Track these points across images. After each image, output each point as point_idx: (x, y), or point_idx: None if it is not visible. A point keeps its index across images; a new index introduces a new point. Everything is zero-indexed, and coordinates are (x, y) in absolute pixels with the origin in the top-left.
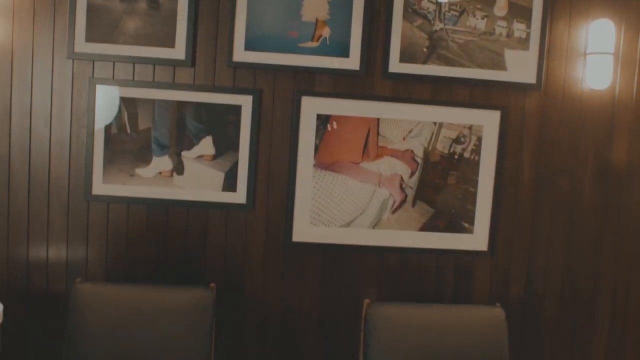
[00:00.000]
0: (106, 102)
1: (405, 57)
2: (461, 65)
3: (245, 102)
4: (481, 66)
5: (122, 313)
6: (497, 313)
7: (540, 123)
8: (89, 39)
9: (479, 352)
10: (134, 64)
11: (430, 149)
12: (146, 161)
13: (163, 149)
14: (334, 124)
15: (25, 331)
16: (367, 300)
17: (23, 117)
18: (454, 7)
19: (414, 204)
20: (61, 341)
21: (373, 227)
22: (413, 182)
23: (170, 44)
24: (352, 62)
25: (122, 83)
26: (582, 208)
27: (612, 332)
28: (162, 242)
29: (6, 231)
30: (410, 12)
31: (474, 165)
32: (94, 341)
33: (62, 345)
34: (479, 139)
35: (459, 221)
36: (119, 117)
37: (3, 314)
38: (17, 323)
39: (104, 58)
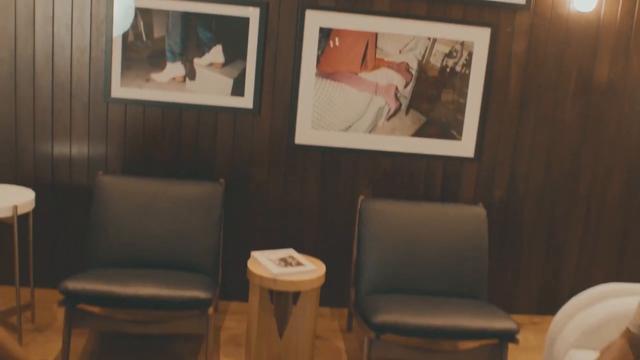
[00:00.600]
0: (123, 11)
1: None
2: None
3: (253, 15)
4: None
5: (140, 203)
6: (479, 211)
7: (527, 41)
8: None
9: (461, 244)
10: None
11: (424, 62)
12: (161, 67)
13: (176, 56)
14: (336, 37)
15: (53, 218)
16: (361, 197)
17: (46, 23)
18: None
19: (407, 112)
20: (86, 227)
21: (369, 132)
22: (407, 92)
23: None
24: None
25: None
26: (563, 121)
27: (585, 236)
28: (175, 141)
29: (32, 129)
30: None
31: (465, 78)
32: (116, 227)
33: (87, 230)
34: (470, 54)
35: (449, 129)
36: (135, 25)
37: (33, 201)
38: (46, 210)
39: None
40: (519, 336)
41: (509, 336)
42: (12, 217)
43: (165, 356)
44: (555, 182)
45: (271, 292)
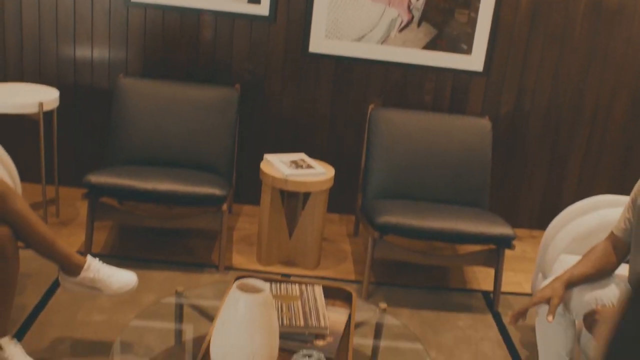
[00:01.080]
0: None
1: None
2: None
3: None
4: None
5: (159, 105)
6: (484, 123)
7: None
8: None
9: (466, 155)
10: None
11: None
12: None
13: None
14: None
15: (76, 118)
16: (372, 105)
17: None
18: None
19: (419, 25)
20: (107, 128)
21: (381, 44)
22: (420, 4)
23: None
24: None
25: None
26: (572, 39)
27: (588, 153)
28: (193, 46)
29: (55, 32)
30: None
31: None
32: (135, 127)
33: (108, 130)
34: None
35: (459, 43)
36: None
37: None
38: (69, 111)
39: None
40: (518, 247)
41: (506, 242)
42: (38, 114)
43: (181, 251)
44: (561, 99)
45: (282, 194)
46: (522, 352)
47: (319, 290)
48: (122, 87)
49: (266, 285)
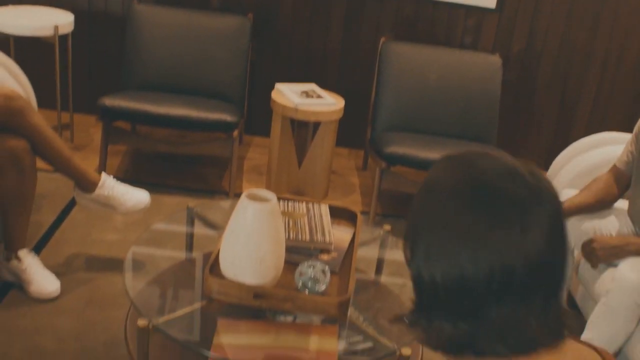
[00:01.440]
0: None
1: None
2: None
3: None
4: None
5: (173, 32)
6: (495, 60)
7: None
8: None
9: (475, 90)
10: None
11: None
12: None
13: None
14: None
15: (90, 44)
16: (383, 38)
17: None
18: None
19: None
20: (120, 54)
21: None
22: None
23: None
24: None
25: None
26: None
27: (598, 95)
28: None
29: None
30: None
31: None
32: (149, 54)
33: (122, 57)
34: None
35: None
36: None
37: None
38: (83, 36)
39: None
40: None
41: None
42: (54, 37)
43: (193, 178)
44: (573, 39)
45: (292, 124)
46: None
47: (325, 209)
48: (136, 13)
49: (273, 196)
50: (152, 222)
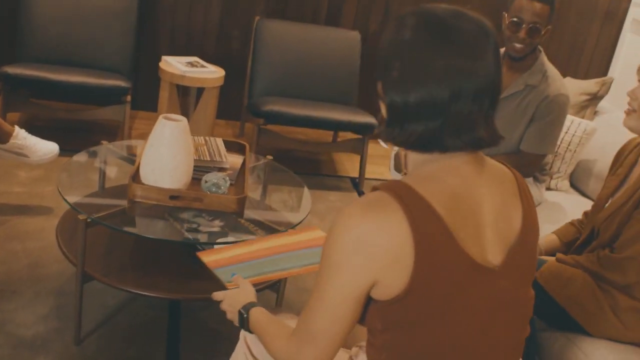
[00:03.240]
0: None
1: None
2: None
3: None
4: None
5: (66, 9)
6: (354, 35)
7: None
8: None
9: (338, 61)
10: None
11: None
12: None
13: None
14: None
15: None
16: (257, 17)
17: None
18: None
19: None
20: (15, 27)
21: None
22: None
23: None
24: None
25: None
26: None
27: None
28: None
29: None
30: None
31: None
32: (42, 30)
33: (16, 30)
34: None
35: None
36: None
37: None
38: None
39: None
40: (379, 145)
41: (369, 129)
42: None
43: (87, 144)
44: None
45: (178, 92)
46: None
47: (220, 141)
48: None
49: (184, 118)
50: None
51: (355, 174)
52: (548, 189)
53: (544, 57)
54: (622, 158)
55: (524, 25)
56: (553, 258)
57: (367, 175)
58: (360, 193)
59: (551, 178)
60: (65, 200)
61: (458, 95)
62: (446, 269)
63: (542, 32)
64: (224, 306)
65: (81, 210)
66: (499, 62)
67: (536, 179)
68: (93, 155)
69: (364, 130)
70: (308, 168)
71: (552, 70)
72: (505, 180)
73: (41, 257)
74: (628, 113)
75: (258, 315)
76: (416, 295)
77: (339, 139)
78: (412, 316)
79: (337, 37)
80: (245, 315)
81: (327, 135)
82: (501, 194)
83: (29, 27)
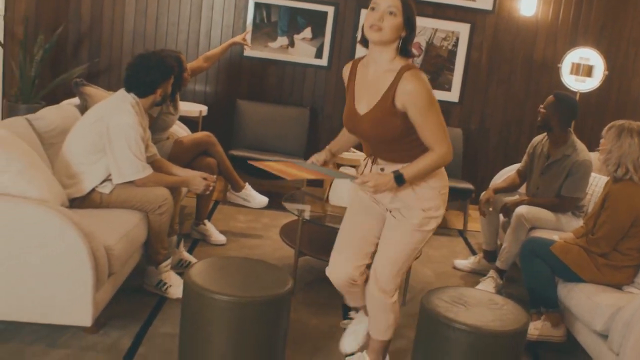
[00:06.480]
0: (252, 3)
1: None
2: None
3: (330, 10)
4: None
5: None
6: (458, 132)
7: (493, 32)
8: None
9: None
10: None
11: (430, 42)
12: (273, 39)
13: (284, 32)
14: None
15: None
16: None
17: (207, 9)
18: None
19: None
20: None
21: None
22: (420, 60)
23: None
24: None
25: None
26: (515, 82)
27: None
28: (280, 82)
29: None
30: None
31: (454, 54)
32: None
33: None
34: (457, 39)
35: (444, 84)
36: (260, 13)
37: None
38: None
39: None
40: None
41: (468, 194)
42: None
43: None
44: (509, 119)
45: None
46: None
47: None
48: None
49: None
50: (262, 220)
51: (460, 227)
52: None
53: (573, 136)
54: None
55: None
56: (562, 240)
57: (468, 228)
58: (466, 239)
59: (585, 214)
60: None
61: None
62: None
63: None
64: (371, 184)
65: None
66: None
67: (574, 214)
68: (293, 198)
69: (465, 195)
70: None
71: (579, 144)
72: None
73: (265, 254)
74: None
75: (405, 169)
76: None
77: None
78: None
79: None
80: (400, 173)
81: None
82: None
83: (240, 125)
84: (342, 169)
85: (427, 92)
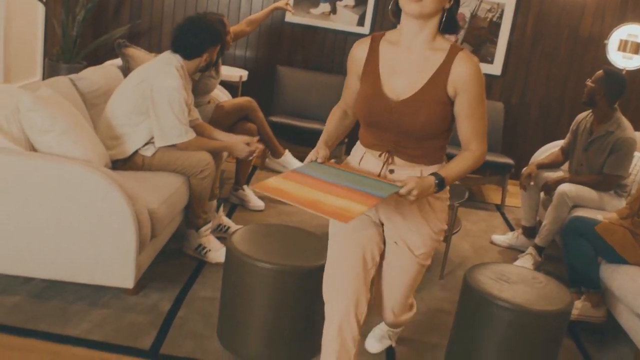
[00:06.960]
0: None
1: None
2: None
3: None
4: None
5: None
6: (499, 105)
7: (539, 4)
8: None
9: None
10: None
11: (474, 13)
12: (316, 5)
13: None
14: None
15: None
16: None
17: None
18: None
19: (461, 43)
20: None
21: None
22: (463, 32)
23: None
24: None
25: None
26: (559, 58)
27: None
28: (321, 49)
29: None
30: None
31: (497, 26)
32: None
33: None
34: (502, 11)
35: (486, 57)
36: None
37: None
38: None
39: None
40: None
41: (508, 169)
42: None
43: None
44: (551, 95)
45: None
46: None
47: None
48: None
49: None
50: None
51: (498, 202)
52: None
53: (619, 113)
54: None
55: None
56: (606, 221)
57: (506, 203)
58: (503, 215)
59: (628, 194)
60: None
61: None
62: None
63: None
64: (415, 192)
65: None
66: None
67: (617, 193)
68: None
69: (505, 170)
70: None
71: (625, 121)
72: None
73: (303, 221)
74: None
75: (445, 172)
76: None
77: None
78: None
79: (487, 106)
80: (441, 178)
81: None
82: None
83: (280, 91)
84: None
85: (482, 79)
